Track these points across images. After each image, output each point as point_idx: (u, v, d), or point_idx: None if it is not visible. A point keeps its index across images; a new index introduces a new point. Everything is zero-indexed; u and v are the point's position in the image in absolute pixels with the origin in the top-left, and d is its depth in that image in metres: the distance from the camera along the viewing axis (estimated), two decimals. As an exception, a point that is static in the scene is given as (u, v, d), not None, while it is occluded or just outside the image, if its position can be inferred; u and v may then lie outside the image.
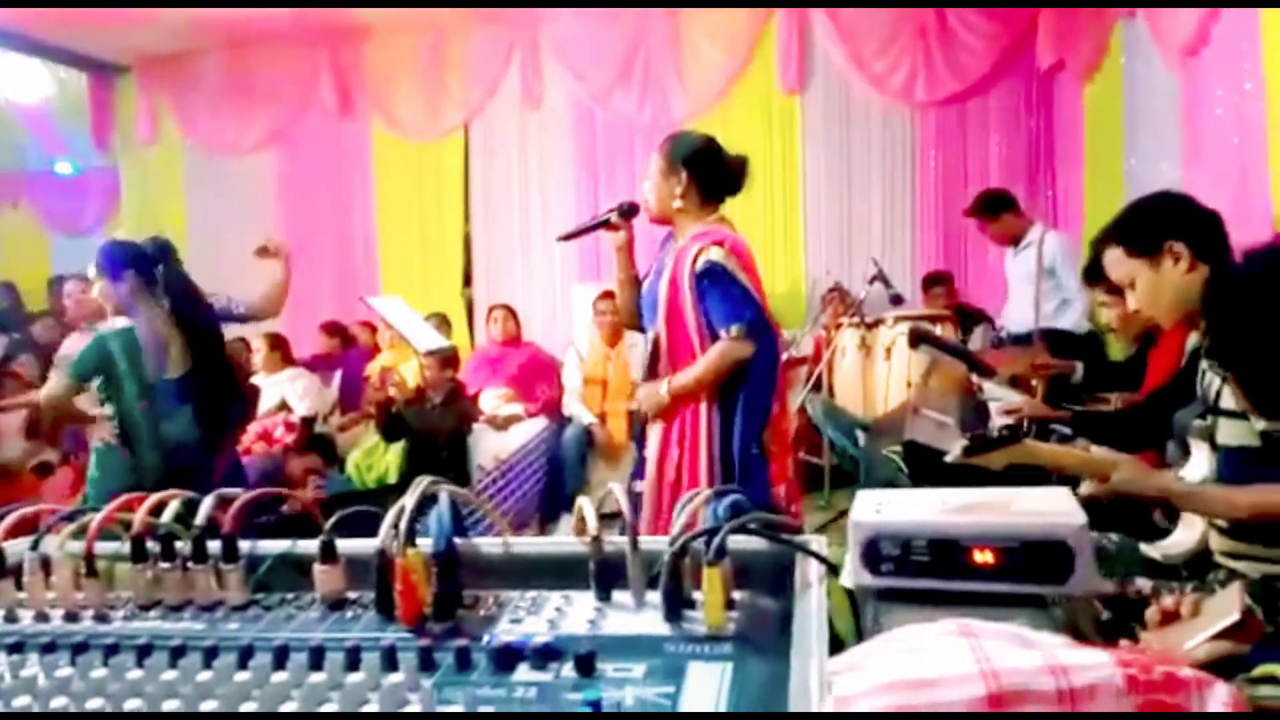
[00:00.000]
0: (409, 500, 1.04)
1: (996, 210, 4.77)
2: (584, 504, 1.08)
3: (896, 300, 5.10)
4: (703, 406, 2.57)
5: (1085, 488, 2.20)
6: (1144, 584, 1.71)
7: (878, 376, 4.80)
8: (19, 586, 1.03)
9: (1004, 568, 0.79)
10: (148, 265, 3.33)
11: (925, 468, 3.03)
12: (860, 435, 4.31)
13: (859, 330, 4.94)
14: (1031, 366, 3.77)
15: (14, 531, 1.07)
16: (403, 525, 1.01)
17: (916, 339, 4.06)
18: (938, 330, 4.60)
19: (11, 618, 1.01)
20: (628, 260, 2.78)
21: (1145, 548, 2.06)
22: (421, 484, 1.07)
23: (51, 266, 7.55)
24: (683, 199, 2.57)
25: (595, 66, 6.17)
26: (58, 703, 0.84)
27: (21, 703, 0.84)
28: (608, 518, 1.08)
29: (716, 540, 0.96)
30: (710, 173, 2.61)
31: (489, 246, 6.61)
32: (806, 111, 6.10)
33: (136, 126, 6.82)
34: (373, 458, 5.25)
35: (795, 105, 6.10)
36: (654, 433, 2.69)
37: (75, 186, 7.65)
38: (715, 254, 2.50)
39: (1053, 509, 0.82)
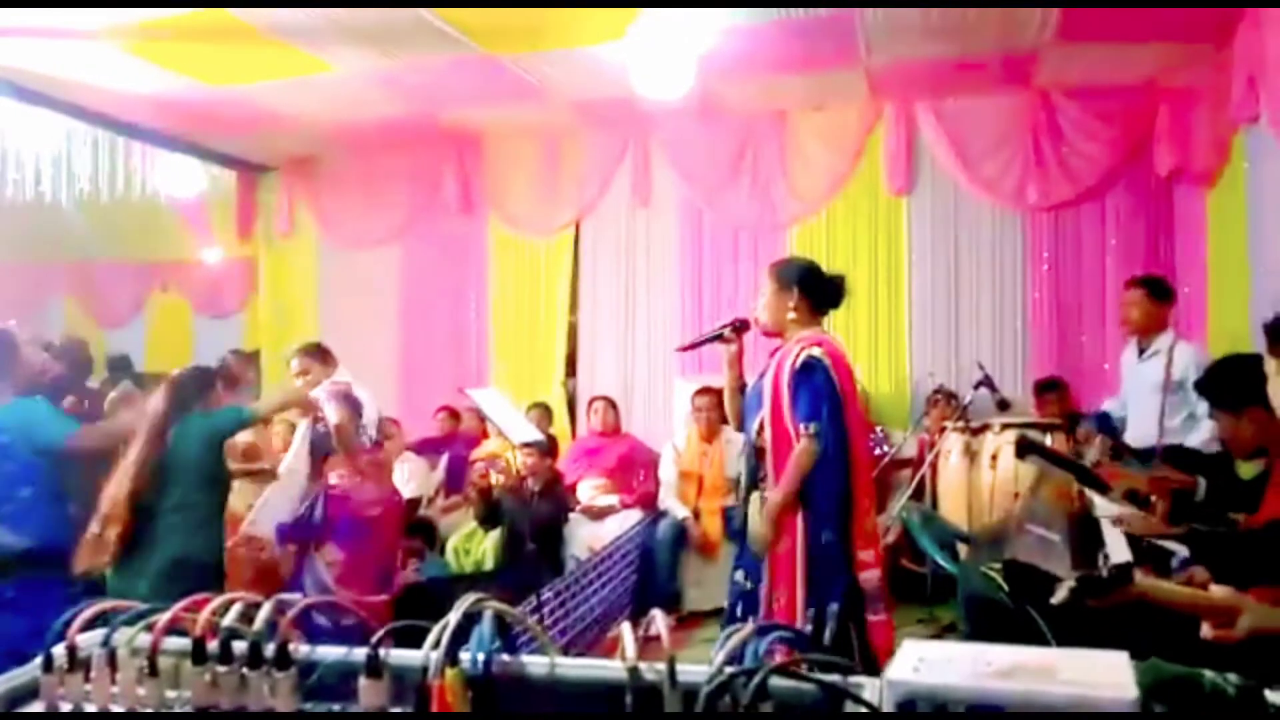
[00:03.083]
0: (452, 618, 1.05)
1: (1163, 295, 4.42)
2: (625, 630, 1.08)
3: (1003, 405, 4.92)
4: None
5: (1208, 631, 2.04)
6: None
7: (983, 485, 4.60)
8: (87, 680, 1.09)
9: (1045, 741, 0.74)
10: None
11: (1027, 588, 2.87)
12: (961, 547, 4.12)
13: (964, 435, 4.77)
14: (1150, 481, 3.55)
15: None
16: (443, 644, 1.02)
17: (1024, 449, 3.89)
18: (1048, 439, 4.40)
19: (78, 711, 1.06)
20: (738, 371, 3.16)
21: (1273, 695, 1.89)
22: (466, 601, 1.08)
23: (194, 345, 8.11)
24: (795, 312, 2.96)
25: (704, 167, 6.32)
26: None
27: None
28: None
29: (754, 683, 0.93)
30: (817, 289, 3.02)
31: (594, 338, 6.74)
32: (913, 212, 6.06)
33: (276, 220, 7.34)
34: (471, 543, 5.32)
35: (902, 206, 6.07)
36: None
37: (219, 273, 8.23)
38: (815, 352, 2.86)
39: (1103, 679, 0.76)
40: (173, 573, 3.25)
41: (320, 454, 4.26)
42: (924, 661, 0.84)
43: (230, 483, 3.84)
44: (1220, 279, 4.91)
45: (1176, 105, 5.29)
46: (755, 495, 2.94)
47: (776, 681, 0.96)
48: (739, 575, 2.97)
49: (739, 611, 2.93)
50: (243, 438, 4.48)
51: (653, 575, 5.20)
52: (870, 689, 0.96)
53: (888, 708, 0.81)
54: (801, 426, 2.79)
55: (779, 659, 0.98)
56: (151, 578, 3.23)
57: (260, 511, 4.16)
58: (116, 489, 3.28)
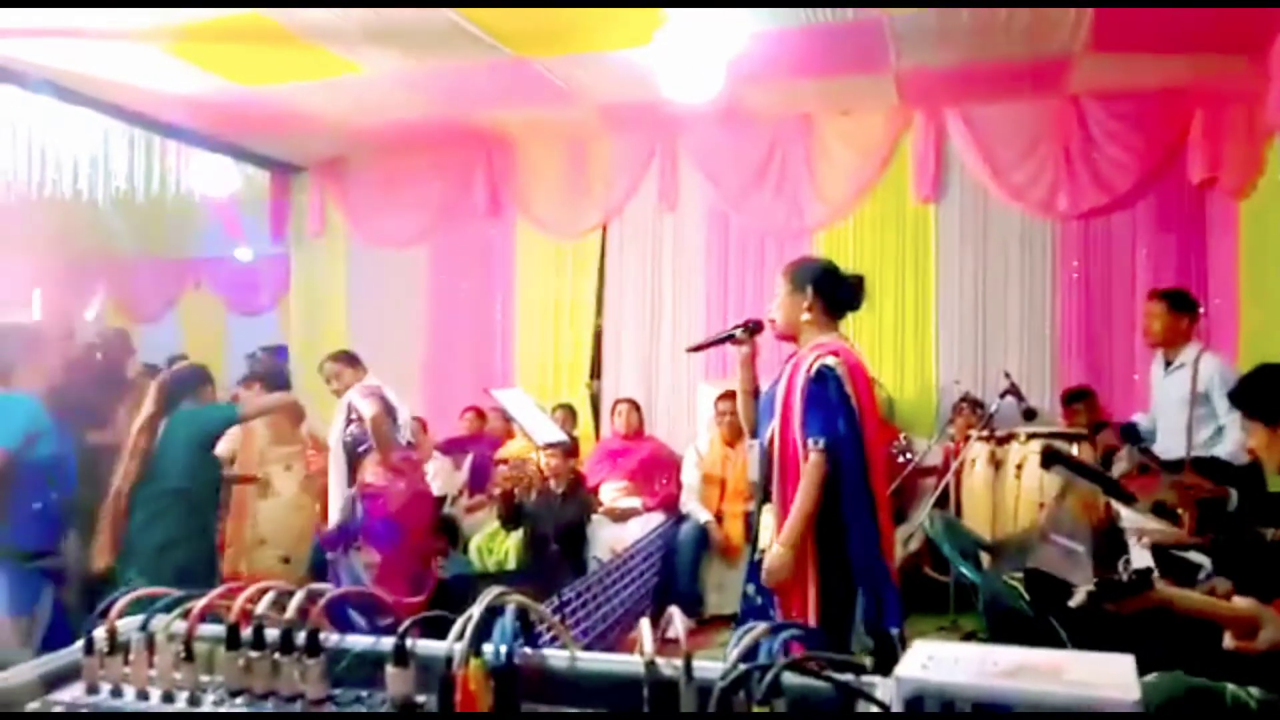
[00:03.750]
0: (476, 610, 1.08)
1: (1185, 308, 4.40)
2: (644, 626, 1.10)
3: (1029, 415, 4.89)
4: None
5: (1230, 642, 2.03)
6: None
7: (1007, 494, 4.59)
8: (126, 662, 1.13)
9: (1050, 740, 0.76)
10: None
11: (1048, 598, 2.87)
12: (984, 556, 4.10)
13: (989, 444, 4.75)
14: (1180, 488, 3.51)
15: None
16: (467, 635, 1.05)
17: (1049, 459, 3.87)
18: (1074, 450, 4.37)
19: (117, 693, 1.11)
20: (751, 373, 3.02)
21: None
22: (490, 594, 1.11)
23: (226, 342, 8.25)
24: (809, 314, 2.82)
25: (731, 171, 6.33)
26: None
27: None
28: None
29: (768, 678, 0.95)
30: (833, 291, 2.86)
31: (619, 341, 6.76)
32: (942, 219, 6.03)
33: (308, 220, 7.45)
34: (494, 542, 5.38)
35: (930, 212, 6.05)
36: (765, 536, 2.79)
37: (251, 272, 8.37)
38: (830, 361, 2.70)
39: (1108, 681, 0.78)
40: (160, 558, 3.40)
41: (354, 456, 4.34)
42: (933, 660, 0.86)
43: (220, 476, 3.97)
44: (1253, 290, 4.85)
45: (1211, 114, 5.24)
46: (767, 507, 2.81)
47: (790, 679, 0.98)
48: (749, 589, 2.85)
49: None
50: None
51: (674, 578, 5.22)
52: (881, 687, 0.98)
53: (896, 704, 0.83)
54: (810, 441, 2.64)
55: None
56: (140, 561, 3.37)
57: None
58: (117, 484, 3.45)
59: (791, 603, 2.68)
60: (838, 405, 2.64)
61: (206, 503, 3.84)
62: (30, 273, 6.85)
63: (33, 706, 1.11)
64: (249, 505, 4.46)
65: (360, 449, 4.32)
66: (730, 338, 3.02)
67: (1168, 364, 4.47)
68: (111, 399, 4.49)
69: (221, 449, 4.04)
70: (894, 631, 2.60)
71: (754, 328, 2.98)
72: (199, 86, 5.26)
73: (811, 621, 2.60)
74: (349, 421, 4.35)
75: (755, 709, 0.93)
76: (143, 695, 1.11)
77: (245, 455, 4.55)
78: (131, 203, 6.49)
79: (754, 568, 2.83)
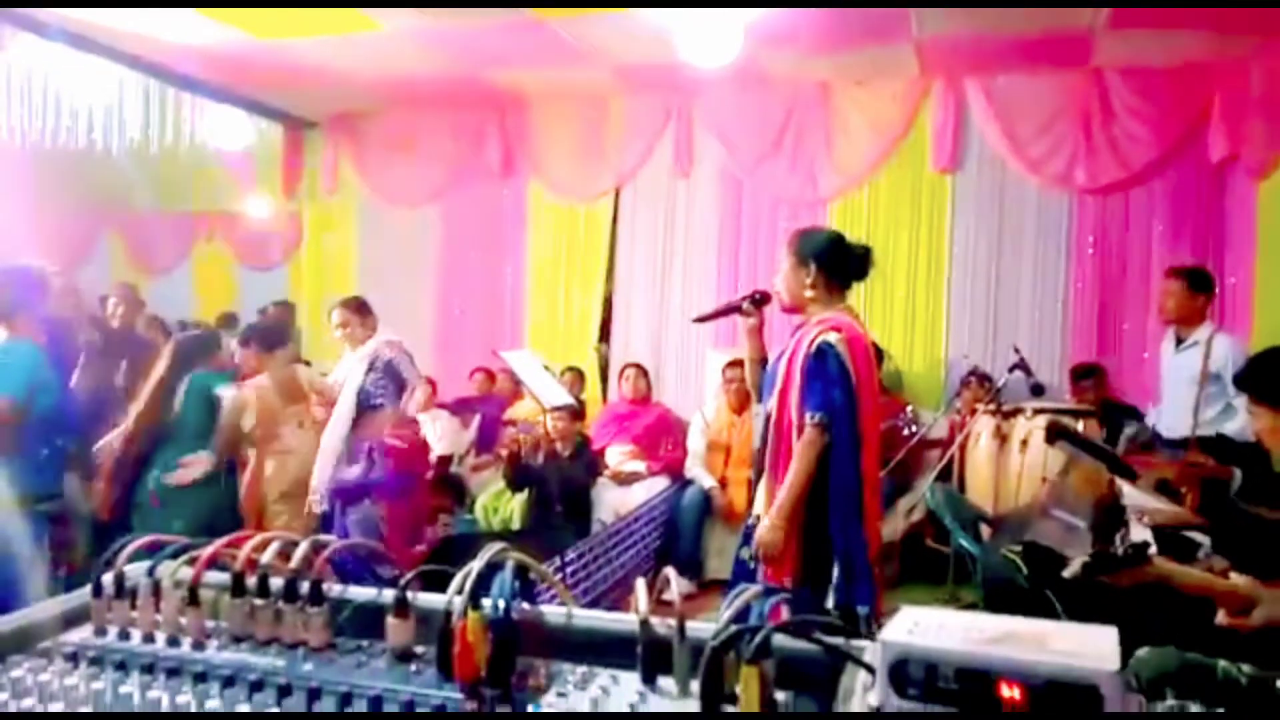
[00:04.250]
0: (476, 564, 1.10)
1: (1202, 287, 4.40)
2: (639, 586, 1.12)
3: (1037, 390, 4.89)
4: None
5: (1224, 619, 2.04)
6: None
7: (1011, 468, 4.59)
8: (133, 606, 1.16)
9: (1031, 706, 0.78)
10: None
11: (1046, 573, 2.88)
12: (984, 529, 4.12)
13: (995, 418, 4.75)
14: (1183, 467, 3.52)
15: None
16: (467, 588, 1.08)
17: (1054, 435, 3.87)
18: (1079, 426, 4.37)
19: (124, 635, 1.14)
20: (758, 343, 3.02)
21: (1286, 687, 1.89)
22: (491, 550, 1.13)
23: (239, 296, 8.26)
24: (812, 288, 2.79)
25: (746, 138, 6.29)
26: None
27: None
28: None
29: (757, 639, 0.97)
30: (837, 264, 2.82)
31: (629, 306, 6.77)
32: (958, 190, 5.99)
33: (321, 176, 7.44)
34: (500, 502, 5.43)
35: (946, 184, 6.00)
36: (759, 503, 2.82)
37: (264, 226, 8.35)
38: (831, 338, 2.68)
39: (1089, 650, 0.79)
40: (183, 513, 3.50)
41: (365, 409, 4.33)
42: (919, 625, 0.87)
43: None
44: (1269, 271, 4.82)
45: (1232, 91, 5.17)
46: (765, 477, 2.81)
47: (780, 641, 1.00)
48: (744, 553, 2.84)
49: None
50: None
51: (676, 542, 5.28)
52: (868, 652, 1.00)
53: (881, 668, 0.85)
54: (808, 416, 2.64)
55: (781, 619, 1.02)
56: (160, 517, 3.47)
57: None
58: (123, 438, 3.52)
59: (773, 570, 2.69)
60: (836, 380, 2.63)
61: (229, 469, 3.99)
62: (41, 221, 6.85)
63: (46, 644, 1.15)
64: (265, 464, 4.51)
65: (374, 403, 4.33)
66: (736, 309, 3.01)
67: (1179, 341, 4.46)
68: (119, 351, 4.54)
69: (246, 422, 4.10)
70: (862, 611, 2.62)
71: (760, 299, 2.96)
72: (215, 38, 5.24)
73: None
74: (370, 372, 4.33)
75: (744, 668, 0.94)
76: (149, 639, 1.13)
77: (263, 418, 4.61)
78: (145, 154, 6.48)
79: (749, 532, 2.86)
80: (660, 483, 5.43)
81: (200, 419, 3.85)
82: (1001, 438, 4.70)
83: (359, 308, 4.49)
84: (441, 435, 5.82)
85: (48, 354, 3.52)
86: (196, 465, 3.79)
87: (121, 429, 3.71)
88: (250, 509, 4.38)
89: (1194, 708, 1.90)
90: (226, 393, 3.94)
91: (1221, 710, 1.86)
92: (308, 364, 5.08)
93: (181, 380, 3.83)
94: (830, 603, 2.60)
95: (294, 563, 1.16)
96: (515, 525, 5.21)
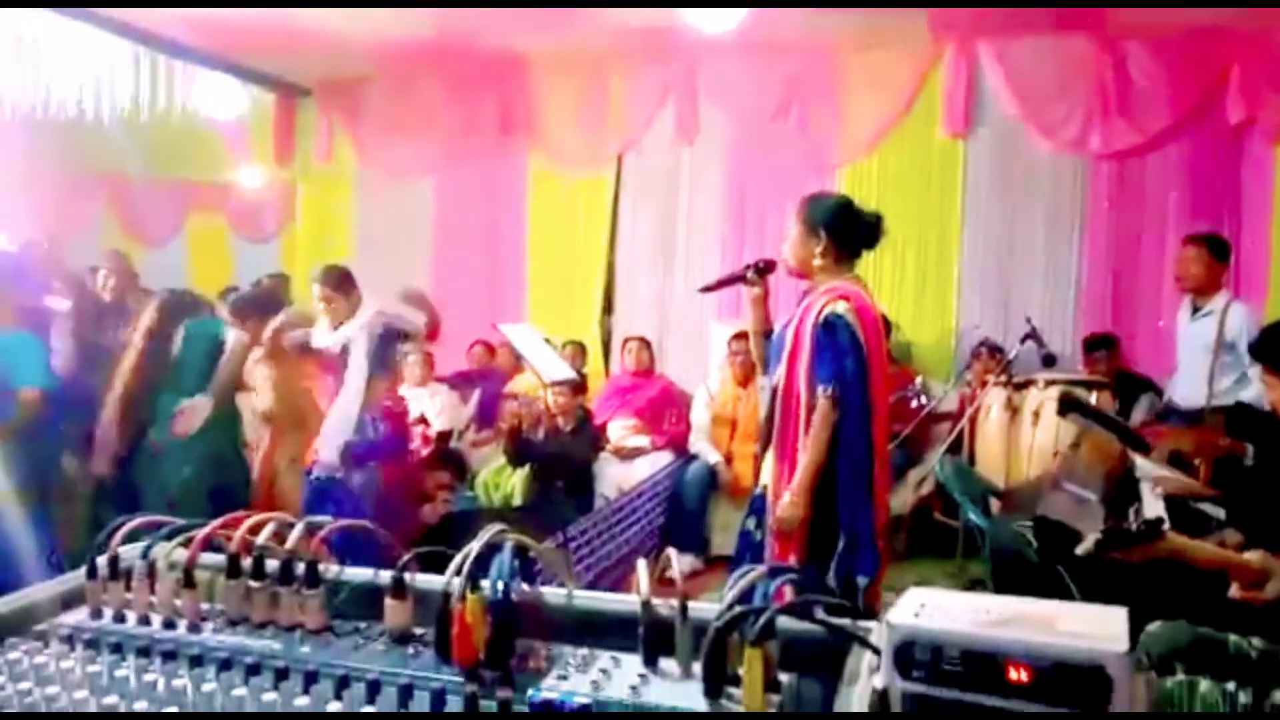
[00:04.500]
0: (475, 546, 1.08)
1: (1222, 255, 4.38)
2: (641, 566, 1.10)
3: (1049, 361, 4.83)
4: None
5: (1236, 592, 2.02)
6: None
7: (1022, 441, 4.54)
8: (128, 589, 1.14)
9: (1038, 688, 0.76)
10: None
11: (1056, 547, 2.86)
12: (994, 503, 4.10)
13: (1006, 390, 4.71)
14: (1194, 442, 3.49)
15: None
16: (465, 570, 1.06)
17: (1065, 406, 3.83)
18: (1092, 398, 4.33)
19: (119, 618, 1.12)
20: (763, 313, 2.95)
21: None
22: (490, 531, 1.11)
23: (234, 268, 8.20)
24: (821, 257, 2.72)
25: (751, 105, 6.18)
26: (140, 705, 0.93)
27: (110, 701, 0.93)
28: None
29: (761, 621, 0.95)
30: (847, 232, 2.75)
31: (632, 278, 6.69)
32: (970, 157, 5.88)
33: (315, 146, 7.34)
34: (500, 477, 5.39)
35: (958, 150, 5.90)
36: (766, 474, 2.79)
37: (258, 197, 8.26)
38: (840, 307, 2.64)
39: (1098, 631, 0.77)
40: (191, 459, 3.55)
41: (373, 376, 4.30)
42: (925, 607, 0.85)
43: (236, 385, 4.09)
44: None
45: (1251, 55, 5.06)
46: (773, 449, 2.76)
47: (785, 622, 0.98)
48: (750, 524, 2.83)
49: (747, 562, 2.78)
50: None
51: (680, 518, 5.24)
52: (874, 633, 0.97)
53: (887, 650, 0.82)
54: (820, 388, 2.59)
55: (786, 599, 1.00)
56: (167, 466, 3.52)
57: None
58: (118, 393, 3.57)
59: (781, 545, 2.68)
60: (847, 350, 2.59)
61: (230, 412, 4.01)
62: (30, 191, 6.80)
63: (43, 626, 1.13)
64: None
65: (376, 371, 4.31)
66: (741, 278, 2.94)
67: (1195, 310, 4.41)
68: (112, 325, 4.52)
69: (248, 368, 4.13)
70: (861, 582, 2.60)
71: (765, 268, 2.89)
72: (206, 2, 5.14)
73: (794, 563, 2.61)
74: (370, 341, 4.29)
75: (748, 650, 0.92)
76: (144, 620, 1.12)
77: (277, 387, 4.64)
78: (136, 122, 6.38)
79: (754, 503, 2.83)
80: (664, 457, 5.39)
81: (201, 364, 3.88)
82: (1013, 410, 4.65)
83: (339, 282, 4.39)
84: (440, 410, 5.75)
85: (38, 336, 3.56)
86: (196, 412, 3.79)
87: (115, 391, 3.76)
88: (262, 480, 4.41)
89: (1204, 682, 1.88)
90: (229, 334, 3.96)
91: (1232, 684, 1.85)
92: None
93: (175, 330, 3.85)
94: (831, 574, 2.59)
95: (289, 544, 1.14)
96: (516, 501, 5.19)
